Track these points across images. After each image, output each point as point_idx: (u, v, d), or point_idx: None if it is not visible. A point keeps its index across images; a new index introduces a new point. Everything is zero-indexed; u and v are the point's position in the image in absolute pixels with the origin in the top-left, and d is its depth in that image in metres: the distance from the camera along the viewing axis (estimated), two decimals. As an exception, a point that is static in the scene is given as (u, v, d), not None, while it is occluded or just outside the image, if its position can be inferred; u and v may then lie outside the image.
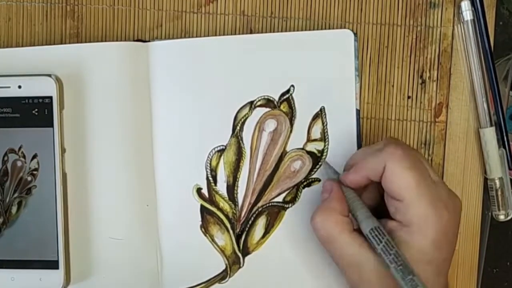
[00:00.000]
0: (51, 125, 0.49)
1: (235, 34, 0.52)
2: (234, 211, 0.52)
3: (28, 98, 0.49)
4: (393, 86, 0.53)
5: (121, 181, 0.51)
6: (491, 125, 0.52)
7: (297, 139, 0.52)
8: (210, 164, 0.52)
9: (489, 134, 0.52)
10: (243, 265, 0.52)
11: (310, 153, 0.52)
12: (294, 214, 0.52)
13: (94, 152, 0.51)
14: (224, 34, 0.52)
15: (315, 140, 0.52)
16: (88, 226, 0.51)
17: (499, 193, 0.52)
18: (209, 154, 0.52)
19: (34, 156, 0.49)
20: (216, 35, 0.52)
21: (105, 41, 0.52)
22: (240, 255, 0.52)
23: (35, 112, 0.49)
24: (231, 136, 0.52)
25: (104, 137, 0.51)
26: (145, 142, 0.52)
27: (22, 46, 0.52)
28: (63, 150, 0.50)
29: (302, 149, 0.52)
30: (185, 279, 0.52)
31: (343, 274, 0.46)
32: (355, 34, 0.51)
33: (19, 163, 0.49)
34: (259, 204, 0.52)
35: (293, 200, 0.52)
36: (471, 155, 0.53)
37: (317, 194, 0.51)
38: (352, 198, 0.47)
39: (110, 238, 0.51)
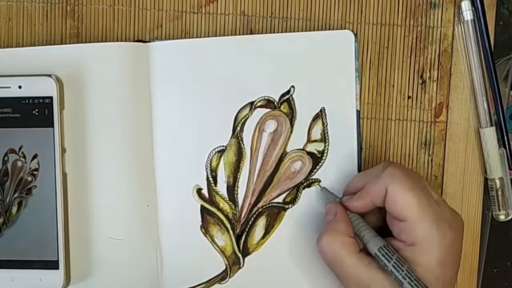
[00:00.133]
0: (51, 125, 0.49)
1: (235, 34, 0.52)
2: (234, 212, 0.52)
3: (29, 98, 0.49)
4: (393, 86, 0.53)
5: (121, 181, 0.51)
6: (491, 125, 0.52)
7: (297, 140, 0.52)
8: (210, 164, 0.52)
9: (489, 134, 0.52)
10: (243, 265, 0.52)
11: (310, 153, 0.52)
12: (294, 214, 0.52)
13: (94, 152, 0.51)
14: (224, 35, 0.52)
15: (315, 140, 0.52)
16: (88, 226, 0.51)
17: (500, 193, 0.52)
18: (209, 154, 0.52)
19: (35, 156, 0.49)
20: (216, 35, 0.52)
21: (105, 41, 0.52)
22: (240, 255, 0.52)
23: (36, 112, 0.49)
24: (231, 137, 0.52)
25: (104, 137, 0.51)
26: (145, 142, 0.52)
27: (22, 46, 0.52)
28: (63, 150, 0.50)
29: (302, 149, 0.52)
30: (185, 280, 0.52)
31: None
32: (356, 35, 0.51)
33: (19, 163, 0.49)
34: (259, 205, 0.52)
35: (293, 201, 0.52)
36: (471, 155, 0.53)
37: (317, 194, 0.51)
38: (357, 219, 0.47)
39: (110, 238, 0.51)
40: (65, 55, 0.51)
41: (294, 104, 0.52)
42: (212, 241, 0.52)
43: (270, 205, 0.52)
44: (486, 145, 0.52)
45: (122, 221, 0.51)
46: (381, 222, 0.48)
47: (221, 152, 0.52)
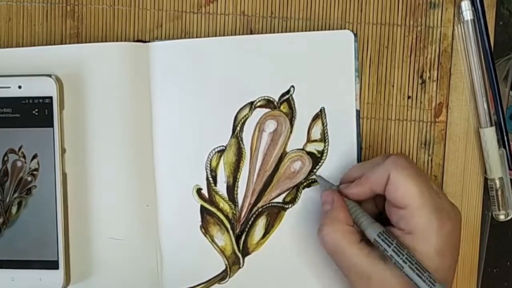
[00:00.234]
0: (51, 125, 0.49)
1: (235, 34, 0.52)
2: (234, 212, 0.52)
3: (28, 98, 0.49)
4: (393, 86, 0.53)
5: (121, 181, 0.51)
6: (491, 125, 0.52)
7: (297, 140, 0.52)
8: (210, 164, 0.52)
9: (489, 134, 0.52)
10: (243, 265, 0.52)
11: (310, 153, 0.52)
12: (294, 214, 0.52)
13: (94, 152, 0.51)
14: (224, 35, 0.52)
15: (315, 140, 0.52)
16: (88, 226, 0.51)
17: (499, 193, 0.52)
18: (209, 154, 0.52)
19: (34, 156, 0.49)
20: (216, 35, 0.52)
21: (105, 41, 0.52)
22: (240, 255, 0.52)
23: (35, 112, 0.49)
24: (231, 137, 0.52)
25: (104, 137, 0.51)
26: (145, 142, 0.52)
27: (22, 46, 0.52)
28: (63, 150, 0.50)
29: (302, 149, 0.52)
30: (185, 279, 0.52)
31: (351, 285, 0.46)
32: (355, 35, 0.51)
33: (19, 163, 0.49)
34: (259, 205, 0.52)
35: (293, 201, 0.52)
36: (471, 155, 0.53)
37: (317, 194, 0.51)
38: (354, 206, 0.47)
39: (110, 238, 0.51)
40: (65, 55, 0.51)
41: (294, 104, 0.52)
42: (212, 241, 0.52)
43: (270, 205, 0.52)
44: (486, 145, 0.52)
45: (122, 221, 0.51)
46: (375, 213, 0.48)
47: (221, 152, 0.52)
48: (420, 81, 0.53)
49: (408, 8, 0.52)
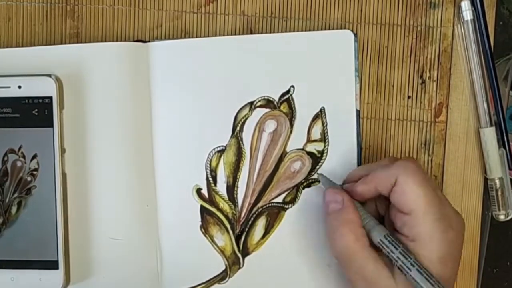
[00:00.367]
0: (51, 125, 0.49)
1: (235, 34, 0.52)
2: (234, 212, 0.52)
3: (28, 98, 0.49)
4: (393, 86, 0.53)
5: (121, 181, 0.51)
6: (491, 125, 0.52)
7: (297, 140, 0.52)
8: (210, 164, 0.52)
9: (489, 134, 0.52)
10: (242, 265, 0.52)
11: (310, 153, 0.52)
12: (294, 214, 0.52)
13: (94, 152, 0.51)
14: (224, 34, 0.52)
15: (315, 140, 0.52)
16: (88, 226, 0.51)
17: (499, 193, 0.52)
18: (209, 154, 0.52)
19: (34, 156, 0.49)
20: (216, 35, 0.52)
21: (105, 41, 0.52)
22: (240, 255, 0.52)
23: (35, 112, 0.49)
24: (231, 137, 0.52)
25: (104, 137, 0.51)
26: (145, 142, 0.52)
27: (22, 46, 0.52)
28: (63, 150, 0.50)
29: (302, 149, 0.52)
30: (185, 280, 0.52)
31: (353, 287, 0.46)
32: (355, 35, 0.51)
33: (19, 163, 0.49)
34: (259, 205, 0.52)
35: (293, 201, 0.52)
36: (471, 155, 0.53)
37: (317, 194, 0.51)
38: (359, 207, 0.47)
39: (110, 238, 0.51)
40: (65, 55, 0.51)
41: (293, 104, 0.52)
42: (212, 241, 0.52)
43: (270, 205, 0.52)
44: (486, 145, 0.52)
45: (122, 221, 0.51)
46: (377, 218, 0.48)
47: (221, 152, 0.52)
48: (420, 81, 0.53)
49: (408, 8, 0.52)
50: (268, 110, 0.52)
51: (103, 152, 0.51)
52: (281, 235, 0.52)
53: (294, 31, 0.52)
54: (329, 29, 0.52)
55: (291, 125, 0.52)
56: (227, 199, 0.52)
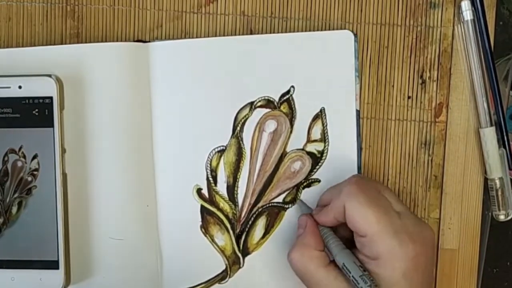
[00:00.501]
0: (51, 125, 0.49)
1: (235, 34, 0.52)
2: (234, 212, 0.52)
3: (29, 98, 0.49)
4: (393, 86, 0.53)
5: (121, 181, 0.51)
6: (491, 125, 0.52)
7: (297, 140, 0.52)
8: (210, 164, 0.52)
9: (489, 134, 0.52)
10: (243, 265, 0.52)
11: (310, 153, 0.52)
12: (294, 214, 0.52)
13: (94, 152, 0.51)
14: (224, 35, 0.52)
15: (315, 140, 0.52)
16: (88, 226, 0.51)
17: (499, 193, 0.52)
18: (209, 154, 0.52)
19: (35, 157, 0.49)
20: (216, 35, 0.52)
21: (105, 41, 0.52)
22: (240, 255, 0.52)
23: (36, 112, 0.49)
24: (231, 137, 0.52)
25: (104, 137, 0.51)
26: (145, 142, 0.52)
27: (22, 46, 0.52)
28: (63, 151, 0.50)
29: (302, 149, 0.52)
30: (185, 279, 0.52)
31: None
32: (355, 35, 0.51)
33: (19, 163, 0.49)
34: (259, 205, 0.52)
35: (293, 201, 0.52)
36: (471, 155, 0.53)
37: (318, 195, 0.51)
38: (326, 232, 0.48)
39: (110, 238, 0.51)
40: (65, 55, 0.51)
41: (294, 104, 0.52)
42: (212, 241, 0.52)
43: (270, 205, 0.52)
44: (486, 145, 0.52)
45: (122, 221, 0.51)
46: (351, 235, 0.48)
47: (221, 152, 0.52)
48: (420, 81, 0.53)
49: (408, 8, 0.52)
50: (268, 110, 0.52)
51: (103, 152, 0.51)
52: (281, 235, 0.52)
53: (294, 31, 0.52)
54: (329, 29, 0.52)
55: (291, 125, 0.52)
56: (227, 199, 0.52)
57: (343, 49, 0.51)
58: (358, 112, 0.52)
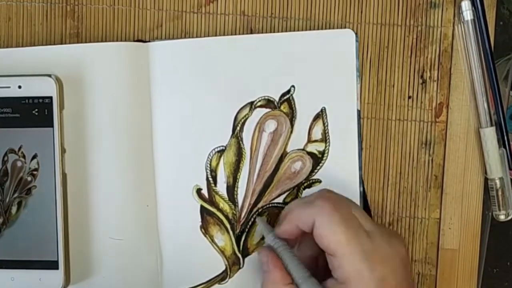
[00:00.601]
0: (51, 125, 0.49)
1: (235, 34, 0.52)
2: (234, 212, 0.52)
3: (28, 98, 0.49)
4: (393, 86, 0.53)
5: (121, 181, 0.51)
6: (492, 125, 0.52)
7: (297, 140, 0.52)
8: (210, 164, 0.52)
9: (490, 134, 0.52)
10: (243, 265, 0.52)
11: (310, 154, 0.52)
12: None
13: (94, 152, 0.51)
14: (224, 34, 0.52)
15: (315, 141, 0.52)
16: (88, 226, 0.51)
17: (500, 193, 0.52)
18: (209, 154, 0.52)
19: (34, 156, 0.49)
20: (216, 35, 0.52)
21: (105, 41, 0.52)
22: (240, 255, 0.52)
23: (35, 112, 0.49)
24: (231, 137, 0.52)
25: (104, 137, 0.51)
26: (145, 142, 0.51)
27: (22, 46, 0.52)
28: (63, 150, 0.50)
29: (303, 150, 0.52)
30: (185, 280, 0.52)
31: None
32: (356, 34, 0.51)
33: (19, 163, 0.49)
34: (259, 205, 0.52)
35: (293, 201, 0.52)
36: (471, 155, 0.53)
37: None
38: (289, 259, 0.47)
39: (110, 238, 0.51)
40: (65, 55, 0.51)
41: (294, 104, 0.52)
42: (212, 241, 0.52)
43: (270, 205, 0.52)
44: (486, 145, 0.52)
45: (122, 221, 0.51)
46: (318, 248, 0.47)
47: (221, 152, 0.52)
48: (420, 81, 0.53)
49: (408, 8, 0.52)
50: (268, 110, 0.52)
51: (103, 152, 0.51)
52: (281, 235, 0.52)
53: (294, 31, 0.52)
54: (329, 29, 0.52)
55: (292, 125, 0.52)
56: (227, 199, 0.52)
57: (344, 48, 0.51)
58: (359, 112, 0.52)
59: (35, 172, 0.49)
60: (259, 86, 0.52)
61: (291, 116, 0.52)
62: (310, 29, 0.52)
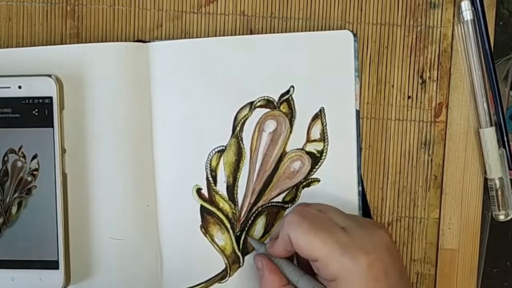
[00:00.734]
0: (51, 126, 0.49)
1: (235, 34, 0.52)
2: (234, 211, 0.52)
3: (28, 98, 0.49)
4: (393, 86, 0.53)
5: (121, 181, 0.51)
6: (491, 125, 0.52)
7: (296, 140, 0.52)
8: (210, 164, 0.52)
9: (489, 134, 0.52)
10: (243, 264, 0.52)
11: (309, 153, 0.52)
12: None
13: (94, 152, 0.51)
14: (224, 34, 0.52)
15: (314, 140, 0.52)
16: (88, 226, 0.51)
17: (499, 193, 0.52)
18: (209, 154, 0.52)
19: (34, 157, 0.49)
20: (216, 35, 0.52)
21: (105, 41, 0.52)
22: (240, 254, 0.52)
23: (35, 113, 0.49)
24: (231, 137, 0.52)
25: (104, 137, 0.51)
26: (145, 142, 0.52)
27: (22, 46, 0.52)
28: (63, 151, 0.50)
29: (302, 149, 0.52)
30: (185, 279, 0.52)
31: None
32: (355, 35, 0.51)
33: (19, 163, 0.50)
34: (259, 204, 0.52)
35: (292, 200, 0.52)
36: (471, 155, 0.53)
37: (317, 194, 0.51)
38: (283, 263, 0.48)
39: (110, 238, 0.51)
40: (65, 55, 0.51)
41: (293, 104, 0.52)
42: (212, 240, 0.52)
43: (270, 204, 0.52)
44: (486, 145, 0.52)
45: (122, 221, 0.51)
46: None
47: (221, 152, 0.52)
48: (420, 81, 0.53)
49: (408, 8, 0.52)
50: (268, 110, 0.52)
51: (103, 152, 0.51)
52: (281, 234, 0.52)
53: (294, 31, 0.52)
54: (329, 29, 0.52)
55: (291, 125, 0.52)
56: (227, 198, 0.52)
57: (342, 49, 0.51)
58: (358, 112, 0.52)
59: (35, 172, 0.49)
60: (259, 86, 0.52)
61: (291, 116, 0.52)
62: (309, 29, 0.52)
